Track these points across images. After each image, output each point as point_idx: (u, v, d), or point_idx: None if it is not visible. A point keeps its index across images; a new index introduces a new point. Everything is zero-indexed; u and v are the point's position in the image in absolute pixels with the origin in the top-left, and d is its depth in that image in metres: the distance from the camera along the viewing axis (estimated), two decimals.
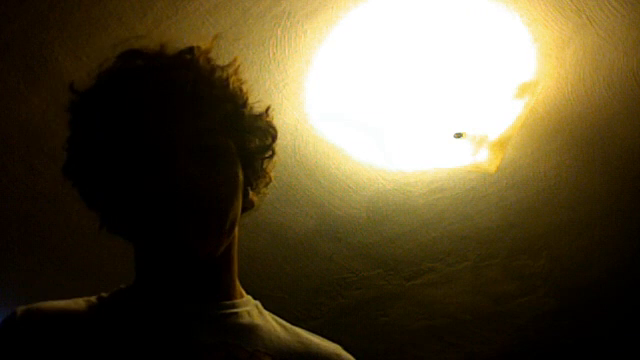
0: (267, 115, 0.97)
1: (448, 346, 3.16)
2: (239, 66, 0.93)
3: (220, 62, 0.93)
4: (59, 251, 2.44)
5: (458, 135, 1.97)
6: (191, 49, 0.91)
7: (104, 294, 0.95)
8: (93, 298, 0.93)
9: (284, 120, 1.99)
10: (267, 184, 1.00)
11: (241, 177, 0.91)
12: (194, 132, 0.86)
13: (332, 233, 2.48)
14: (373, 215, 2.41)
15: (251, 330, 0.91)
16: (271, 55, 1.80)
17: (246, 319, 0.92)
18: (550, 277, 2.76)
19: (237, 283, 0.96)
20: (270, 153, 0.98)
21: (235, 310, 0.92)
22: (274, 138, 0.98)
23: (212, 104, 0.89)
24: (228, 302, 0.92)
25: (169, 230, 0.84)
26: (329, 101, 1.95)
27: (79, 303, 0.92)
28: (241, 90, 0.93)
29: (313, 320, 2.83)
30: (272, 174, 1.00)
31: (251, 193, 0.97)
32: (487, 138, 1.99)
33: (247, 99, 0.94)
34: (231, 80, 0.91)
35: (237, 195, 0.90)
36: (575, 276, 2.76)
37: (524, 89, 1.89)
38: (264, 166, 0.98)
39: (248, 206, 0.97)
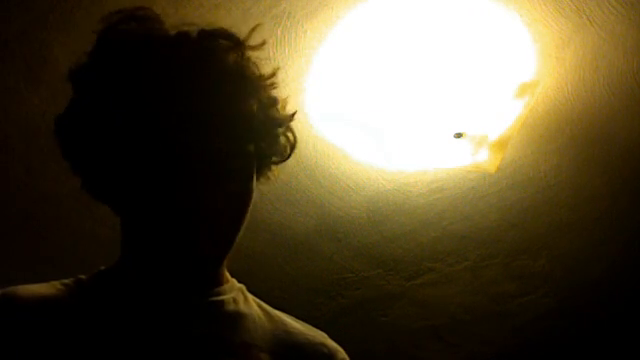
0: (289, 121, 0.93)
1: (448, 346, 3.16)
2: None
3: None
4: (59, 251, 2.44)
5: (458, 135, 1.97)
6: (216, 37, 0.85)
7: (82, 276, 0.92)
8: (69, 281, 0.90)
9: None
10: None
11: (255, 190, 0.90)
12: (221, 154, 0.82)
13: (332, 233, 2.48)
14: (373, 215, 2.41)
15: (237, 319, 0.90)
16: (271, 55, 1.80)
17: (232, 307, 0.90)
18: (550, 277, 2.76)
19: (225, 268, 0.94)
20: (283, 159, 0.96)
21: (221, 297, 0.90)
22: (292, 149, 0.95)
23: (241, 116, 0.84)
24: (214, 289, 0.90)
25: (179, 238, 0.83)
26: (329, 101, 1.95)
27: (57, 287, 0.89)
28: (269, 90, 0.89)
29: (313, 320, 2.81)
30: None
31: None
32: (487, 138, 1.99)
33: (274, 100, 0.90)
34: (260, 77, 0.87)
35: (249, 208, 0.88)
36: (575, 276, 2.76)
37: (524, 89, 1.89)
38: (272, 166, 0.96)
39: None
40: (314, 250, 2.55)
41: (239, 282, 0.96)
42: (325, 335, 0.97)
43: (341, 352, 0.95)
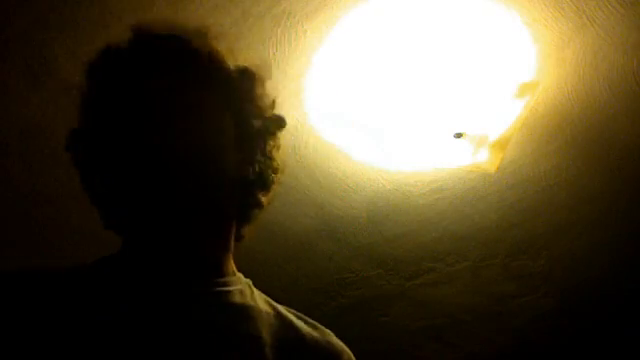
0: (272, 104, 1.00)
1: (448, 346, 3.16)
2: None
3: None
4: (59, 251, 2.44)
5: (458, 135, 1.96)
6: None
7: (87, 262, 0.90)
8: (73, 265, 0.89)
9: None
10: (275, 171, 0.99)
11: (229, 132, 0.92)
12: (174, 150, 0.86)
13: (332, 233, 2.48)
14: (373, 215, 2.41)
15: (244, 311, 0.89)
16: (271, 55, 1.80)
17: (238, 298, 0.90)
18: (550, 277, 2.76)
19: (231, 260, 0.94)
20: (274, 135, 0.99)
21: (228, 288, 0.90)
22: (280, 124, 1.00)
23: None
24: (220, 279, 0.90)
25: (147, 195, 0.85)
26: (329, 101, 1.95)
27: (60, 269, 0.87)
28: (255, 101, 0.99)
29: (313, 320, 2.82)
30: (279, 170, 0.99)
31: (258, 192, 0.97)
32: (487, 138, 1.99)
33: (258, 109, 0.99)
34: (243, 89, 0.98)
35: (221, 153, 0.90)
36: (575, 276, 2.76)
37: (524, 89, 1.89)
38: (267, 150, 0.98)
39: (255, 207, 0.97)
40: (314, 250, 2.55)
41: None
42: (331, 333, 0.96)
43: (347, 352, 0.95)
